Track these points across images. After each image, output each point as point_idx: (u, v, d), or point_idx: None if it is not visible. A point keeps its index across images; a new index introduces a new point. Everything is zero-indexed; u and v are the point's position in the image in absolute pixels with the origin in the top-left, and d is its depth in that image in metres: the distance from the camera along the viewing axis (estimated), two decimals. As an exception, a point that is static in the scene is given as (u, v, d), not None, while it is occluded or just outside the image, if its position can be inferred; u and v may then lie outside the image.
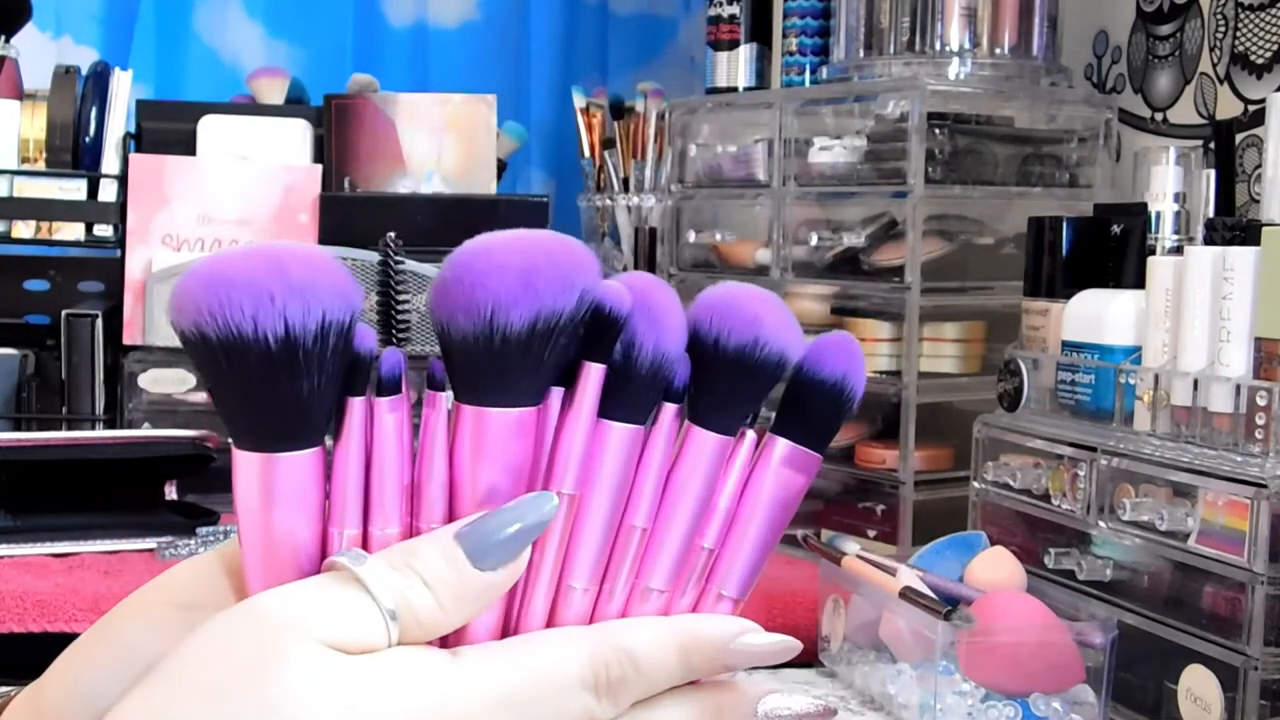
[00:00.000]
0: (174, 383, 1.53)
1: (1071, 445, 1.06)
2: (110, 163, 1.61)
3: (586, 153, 1.83)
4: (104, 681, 0.42)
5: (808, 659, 1.17)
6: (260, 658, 0.37)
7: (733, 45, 1.60)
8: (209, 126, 1.64)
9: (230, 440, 0.40)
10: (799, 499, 0.47)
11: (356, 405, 0.40)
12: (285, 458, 0.39)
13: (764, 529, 0.46)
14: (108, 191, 1.60)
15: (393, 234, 0.36)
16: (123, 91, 1.63)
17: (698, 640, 0.44)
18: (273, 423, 0.39)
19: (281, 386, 0.38)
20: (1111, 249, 1.14)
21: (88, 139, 1.62)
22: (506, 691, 0.40)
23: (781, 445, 0.46)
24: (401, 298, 1.34)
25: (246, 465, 0.39)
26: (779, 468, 0.46)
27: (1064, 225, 1.16)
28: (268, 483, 0.39)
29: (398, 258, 0.40)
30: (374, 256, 1.44)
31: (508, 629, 0.42)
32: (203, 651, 0.38)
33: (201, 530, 1.33)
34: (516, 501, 0.41)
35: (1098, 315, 1.09)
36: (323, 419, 0.40)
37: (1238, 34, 1.32)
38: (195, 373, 0.38)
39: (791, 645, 0.46)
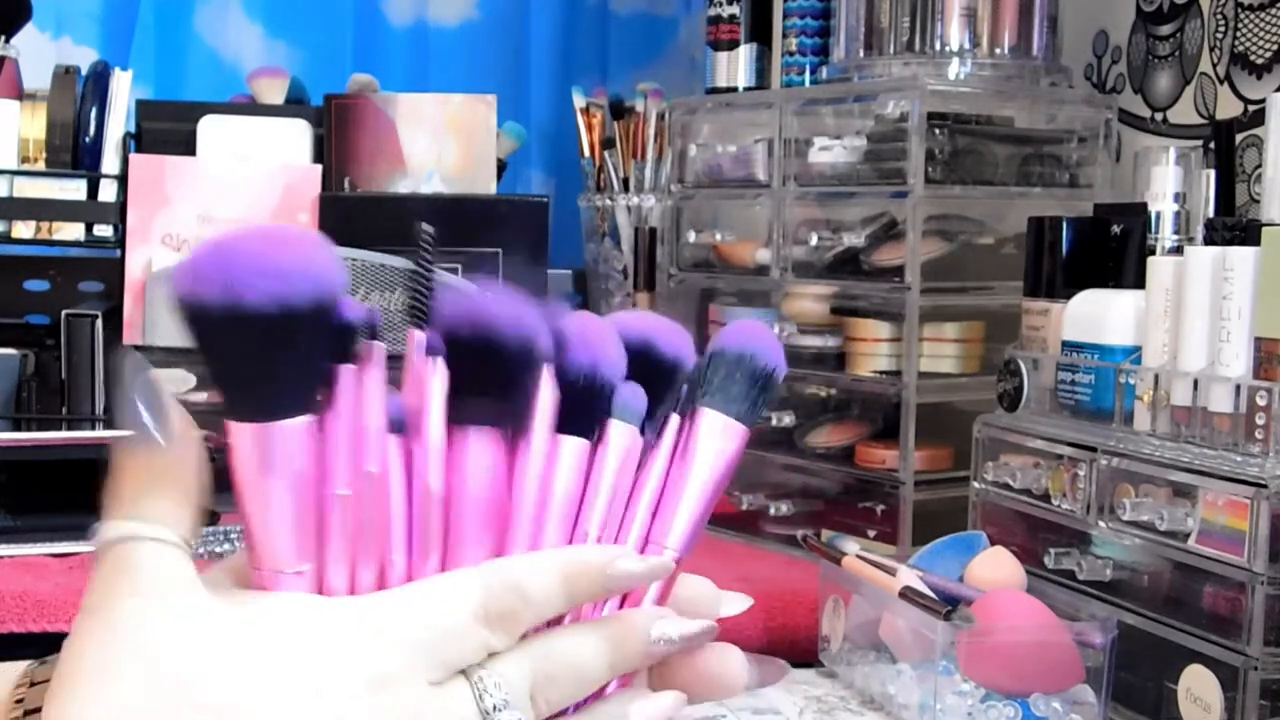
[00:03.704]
0: (174, 383, 1.53)
1: (1071, 445, 1.06)
2: (110, 163, 1.61)
3: (586, 153, 1.83)
4: None
5: (808, 659, 1.17)
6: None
7: (733, 45, 1.60)
8: (209, 126, 1.64)
9: (225, 414, 0.41)
10: (728, 463, 0.51)
11: (347, 373, 0.42)
12: (279, 426, 0.41)
13: (695, 490, 0.50)
14: (108, 191, 1.60)
15: (427, 225, 0.36)
16: (123, 91, 1.63)
17: (578, 567, 0.46)
18: (267, 392, 0.41)
19: (275, 355, 0.40)
20: (1111, 249, 1.14)
21: (88, 139, 1.62)
22: (405, 631, 0.42)
23: (703, 415, 0.50)
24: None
25: (241, 436, 0.40)
26: (703, 436, 0.50)
27: (1064, 225, 1.16)
28: (263, 452, 0.41)
29: (428, 254, 0.40)
30: (374, 257, 1.44)
31: None
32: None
33: (201, 530, 1.33)
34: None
35: (1098, 315, 1.09)
36: (314, 388, 0.42)
37: (1238, 34, 1.32)
38: (195, 349, 0.38)
39: (663, 564, 0.49)
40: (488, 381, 0.44)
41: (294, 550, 0.42)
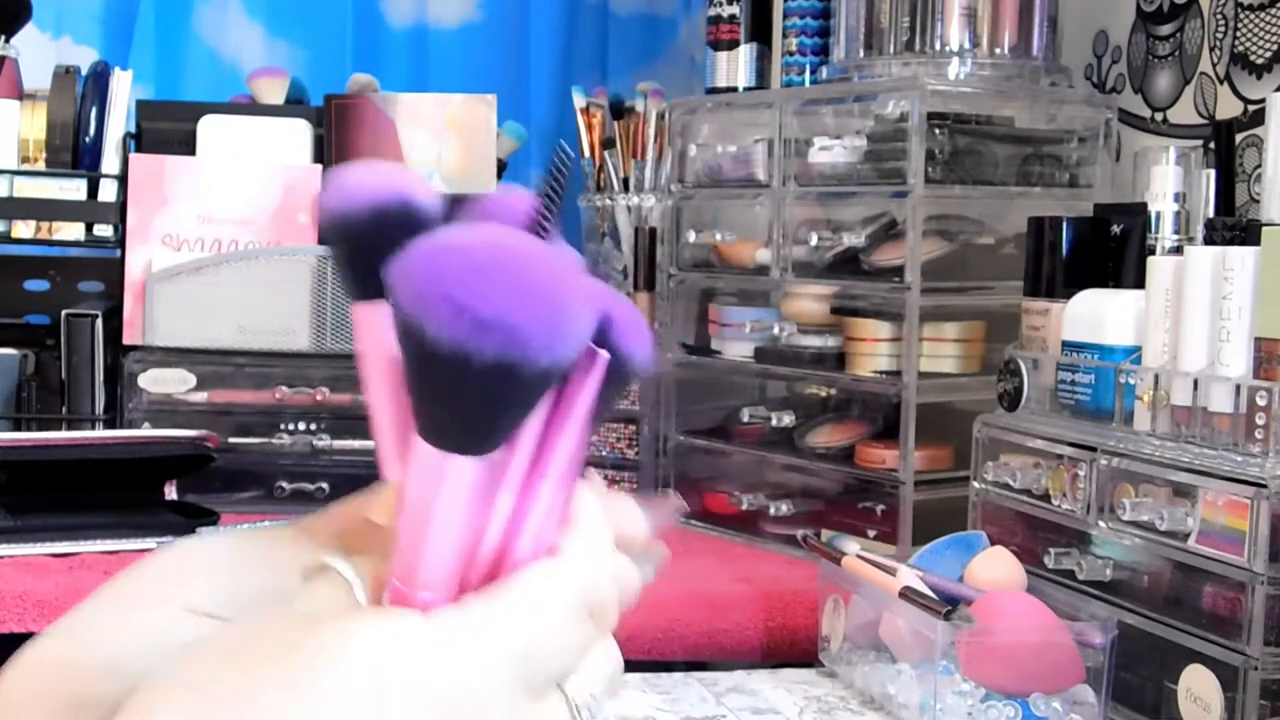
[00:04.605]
0: (174, 383, 1.53)
1: (1071, 445, 1.06)
2: (110, 163, 1.61)
3: (586, 153, 1.83)
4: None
5: (808, 659, 1.17)
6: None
7: (733, 45, 1.60)
8: (209, 126, 1.64)
9: (419, 431, 0.40)
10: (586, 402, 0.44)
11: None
12: (474, 460, 0.40)
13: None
14: (108, 191, 1.60)
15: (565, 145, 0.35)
16: (123, 91, 1.63)
17: (624, 536, 0.46)
18: (487, 431, 0.40)
19: (510, 407, 0.39)
20: (1111, 249, 1.14)
21: (88, 139, 1.62)
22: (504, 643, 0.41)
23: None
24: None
25: (436, 461, 0.40)
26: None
27: (1064, 225, 1.16)
28: (455, 481, 0.40)
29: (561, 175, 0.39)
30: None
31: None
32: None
33: (201, 530, 1.33)
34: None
35: (1098, 315, 1.09)
36: (515, 431, 0.41)
37: (1238, 34, 1.32)
38: (424, 370, 0.38)
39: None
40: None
41: (444, 578, 0.41)
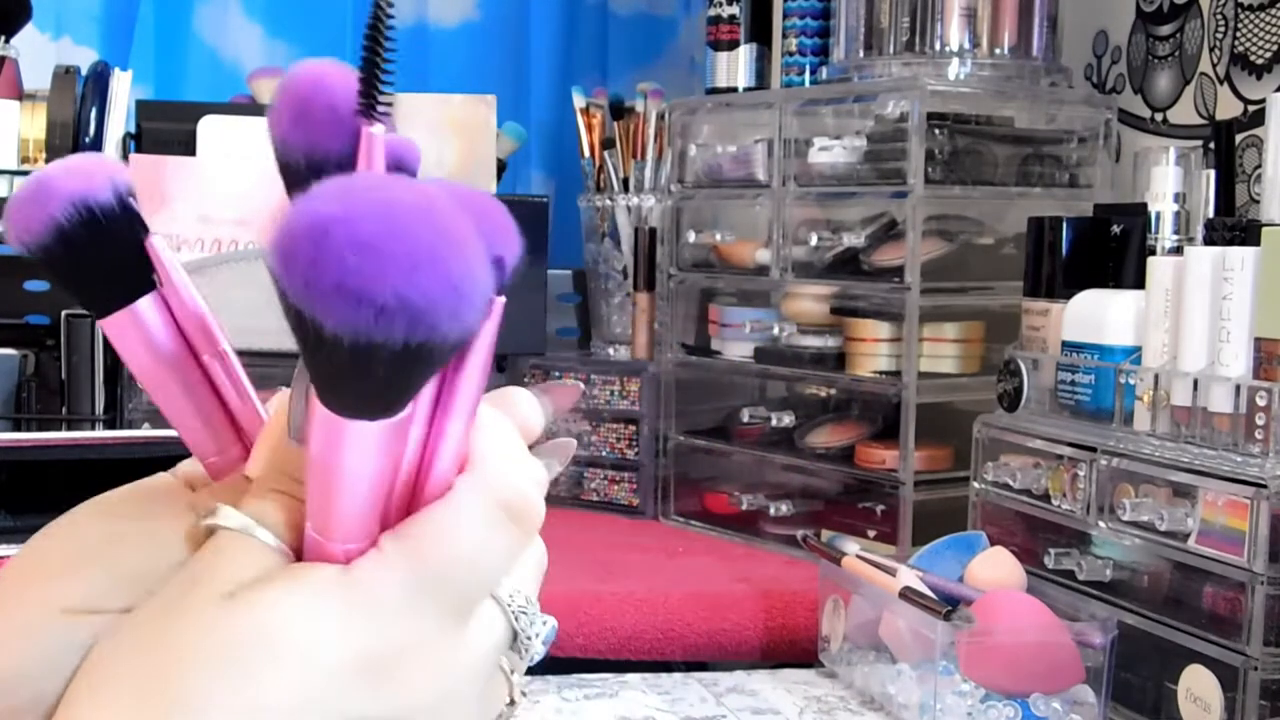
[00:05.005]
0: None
1: (1071, 445, 1.06)
2: (110, 163, 1.61)
3: (586, 153, 1.83)
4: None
5: (808, 659, 1.17)
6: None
7: (733, 45, 1.60)
8: (209, 126, 1.64)
9: (320, 399, 0.38)
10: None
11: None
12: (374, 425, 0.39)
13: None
14: (108, 192, 1.60)
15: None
16: (123, 91, 1.63)
17: (524, 426, 0.44)
18: (383, 402, 0.38)
19: (409, 379, 0.37)
20: (1111, 249, 1.14)
21: (87, 139, 1.62)
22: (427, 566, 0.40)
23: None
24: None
25: (330, 422, 0.38)
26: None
27: (1064, 225, 1.16)
28: (358, 446, 0.39)
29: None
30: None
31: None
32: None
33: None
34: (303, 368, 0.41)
35: (1098, 315, 1.09)
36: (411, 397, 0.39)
37: (1238, 34, 1.32)
38: (319, 350, 0.38)
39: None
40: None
41: (360, 526, 0.40)
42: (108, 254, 0.42)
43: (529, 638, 0.42)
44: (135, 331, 0.43)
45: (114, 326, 0.42)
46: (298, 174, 0.41)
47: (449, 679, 0.39)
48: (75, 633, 0.40)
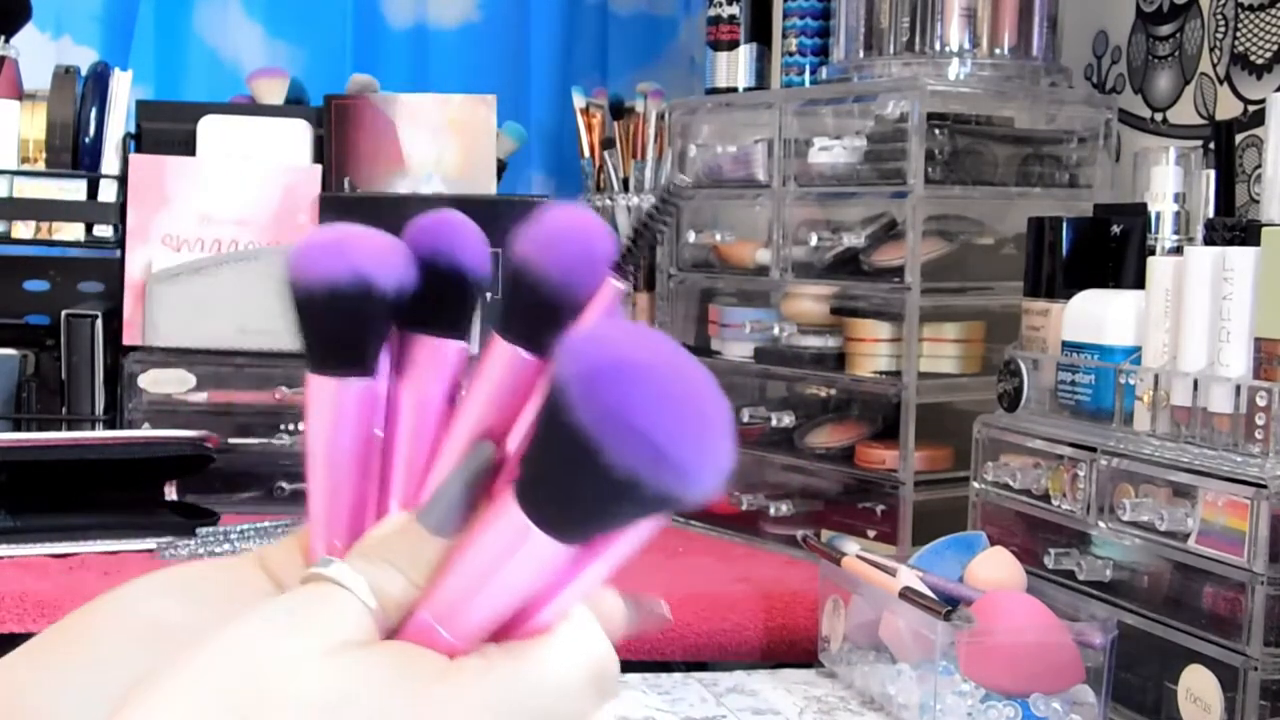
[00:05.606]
0: (174, 383, 1.53)
1: (1071, 445, 1.06)
2: (110, 163, 1.61)
3: (586, 153, 1.83)
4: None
5: (808, 659, 1.17)
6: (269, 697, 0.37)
7: (733, 45, 1.60)
8: (209, 126, 1.64)
9: (519, 498, 0.40)
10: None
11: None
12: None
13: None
14: (108, 192, 1.60)
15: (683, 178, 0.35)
16: (123, 91, 1.63)
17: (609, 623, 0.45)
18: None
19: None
20: (1111, 249, 1.14)
21: (87, 139, 1.62)
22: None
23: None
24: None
25: (515, 523, 0.40)
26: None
27: (1064, 225, 1.16)
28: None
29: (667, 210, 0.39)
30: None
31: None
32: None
33: (201, 531, 1.33)
34: (458, 462, 0.42)
35: (1098, 315, 1.09)
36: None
37: (1238, 34, 1.32)
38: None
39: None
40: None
41: (482, 632, 0.41)
42: (363, 330, 0.45)
43: None
44: (355, 406, 0.44)
45: (318, 385, 0.45)
46: (527, 292, 0.44)
47: None
48: None
